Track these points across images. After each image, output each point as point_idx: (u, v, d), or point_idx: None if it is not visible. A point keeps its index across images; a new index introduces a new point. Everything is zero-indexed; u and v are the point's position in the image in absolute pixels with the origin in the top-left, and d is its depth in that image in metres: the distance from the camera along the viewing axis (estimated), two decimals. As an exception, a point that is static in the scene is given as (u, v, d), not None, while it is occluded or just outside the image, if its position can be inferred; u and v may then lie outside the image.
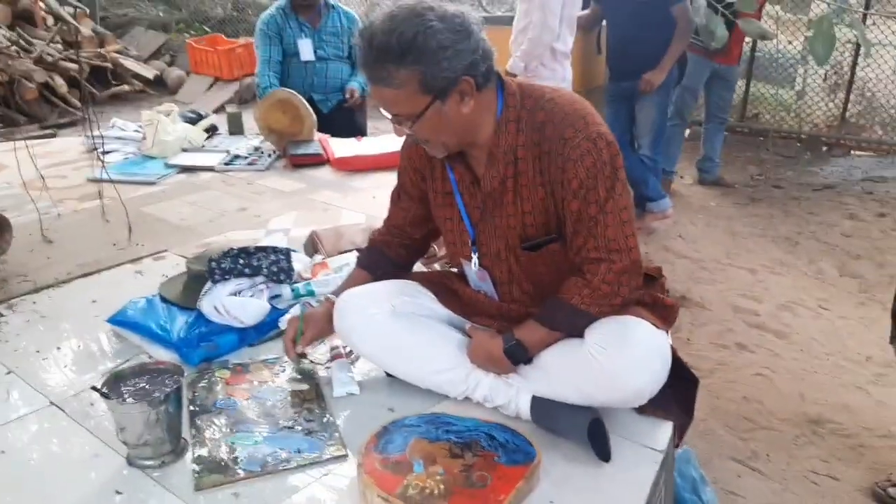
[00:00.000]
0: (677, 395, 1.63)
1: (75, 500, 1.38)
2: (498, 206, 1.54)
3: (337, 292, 1.75)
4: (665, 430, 1.57)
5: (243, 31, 8.43)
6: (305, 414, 1.61)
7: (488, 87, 1.46)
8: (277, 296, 2.03)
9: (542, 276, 1.58)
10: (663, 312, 1.57)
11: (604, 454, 1.45)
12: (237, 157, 3.50)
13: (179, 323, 1.88)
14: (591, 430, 1.44)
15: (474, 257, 1.61)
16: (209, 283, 1.95)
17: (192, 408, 1.61)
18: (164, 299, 2.00)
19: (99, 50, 7.19)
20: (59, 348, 1.90)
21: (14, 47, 6.41)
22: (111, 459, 1.48)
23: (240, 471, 1.43)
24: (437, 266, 2.19)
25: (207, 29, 8.69)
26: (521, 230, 1.53)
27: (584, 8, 4.37)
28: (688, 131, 6.05)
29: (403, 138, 1.72)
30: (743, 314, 3.34)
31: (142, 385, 1.46)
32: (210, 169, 3.39)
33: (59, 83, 6.50)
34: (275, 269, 2.02)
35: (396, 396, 1.67)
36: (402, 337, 1.62)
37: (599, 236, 1.45)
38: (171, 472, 1.44)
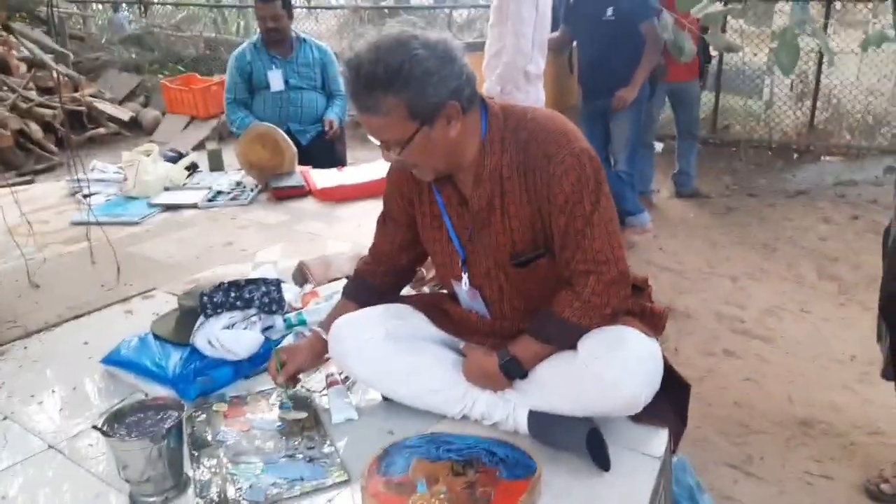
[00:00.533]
0: (671, 401, 1.66)
1: (80, 541, 1.38)
2: (486, 225, 1.57)
3: (323, 324, 1.77)
4: (661, 437, 1.60)
5: (217, 69, 8.47)
6: (306, 442, 1.62)
7: (473, 109, 1.50)
8: (270, 327, 2.04)
9: (532, 291, 1.61)
10: (652, 320, 1.60)
11: (603, 464, 1.47)
12: (220, 192, 3.52)
13: (174, 359, 1.88)
14: (589, 441, 1.46)
15: (465, 277, 1.64)
16: (202, 318, 1.96)
17: (191, 442, 1.62)
18: (156, 337, 2.00)
19: (73, 94, 7.20)
20: (53, 391, 1.89)
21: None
22: (113, 499, 1.48)
23: (243, 502, 1.43)
24: (425, 289, 2.22)
25: (181, 69, 8.72)
26: (510, 247, 1.56)
27: (553, 30, 4.47)
28: (661, 146, 6.18)
29: (388, 165, 1.75)
30: (728, 321, 3.40)
31: (142, 422, 1.47)
32: (193, 206, 3.40)
33: (35, 129, 6.50)
34: (266, 301, 2.03)
35: (395, 419, 1.68)
36: (397, 360, 1.64)
37: (587, 249, 1.49)
38: (174, 508, 1.44)
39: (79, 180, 3.13)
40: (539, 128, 1.50)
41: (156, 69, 8.90)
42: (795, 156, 5.95)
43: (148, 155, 3.66)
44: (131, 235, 3.08)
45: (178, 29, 10.14)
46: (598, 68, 4.03)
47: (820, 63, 5.67)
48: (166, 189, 3.59)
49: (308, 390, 1.82)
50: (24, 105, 6.54)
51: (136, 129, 7.62)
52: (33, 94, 6.86)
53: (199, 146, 6.21)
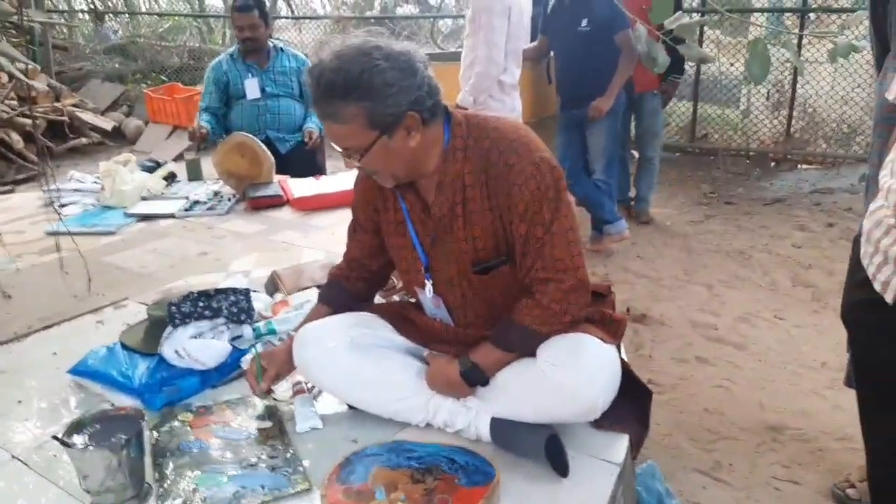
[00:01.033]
0: (633, 408, 1.69)
1: (39, 551, 1.38)
2: (448, 232, 1.59)
3: (298, 329, 1.78)
4: (622, 443, 1.62)
5: (200, 78, 8.46)
6: (269, 451, 1.63)
7: (435, 121, 1.52)
8: (239, 336, 2.05)
9: (495, 298, 1.63)
10: (612, 327, 1.63)
11: (562, 470, 1.48)
12: (197, 202, 3.52)
13: (141, 369, 1.89)
14: (548, 447, 1.48)
15: (428, 284, 1.66)
16: (170, 328, 1.97)
17: (155, 452, 1.62)
18: (125, 347, 2.00)
19: (55, 104, 7.18)
20: (20, 402, 1.89)
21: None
22: (75, 509, 1.48)
23: (205, 510, 1.44)
24: (396, 298, 2.23)
25: (164, 78, 8.73)
26: (472, 255, 1.58)
27: (533, 40, 4.51)
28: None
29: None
30: (702, 329, 3.42)
31: (103, 432, 1.47)
32: (170, 216, 3.41)
33: (15, 139, 6.48)
34: (235, 310, 2.04)
35: (359, 428, 1.69)
36: (361, 368, 1.65)
37: (547, 257, 1.51)
38: (135, 517, 1.44)
39: (54, 190, 3.14)
40: (501, 137, 1.53)
41: (139, 79, 8.90)
42: (773, 164, 6.02)
43: (125, 164, 3.67)
44: (106, 245, 3.08)
45: (162, 39, 10.16)
46: (574, 78, 4.07)
47: (795, 73, 5.75)
48: (144, 199, 3.60)
49: (274, 399, 1.82)
50: (4, 115, 6.51)
51: (119, 138, 7.61)
52: (14, 104, 6.83)
53: (181, 156, 6.20)
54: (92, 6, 11.36)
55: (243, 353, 1.97)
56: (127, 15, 11.37)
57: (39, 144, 6.31)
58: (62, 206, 3.54)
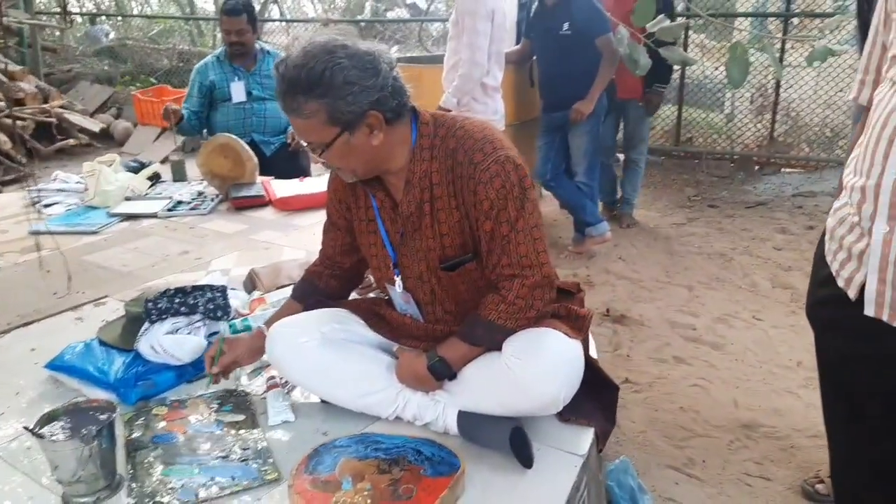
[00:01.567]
0: (599, 402, 1.72)
1: (10, 541, 1.40)
2: (417, 229, 1.62)
3: (268, 322, 1.81)
4: (587, 436, 1.65)
5: (188, 81, 8.49)
6: (241, 443, 1.65)
7: (401, 121, 1.55)
8: (215, 333, 2.07)
9: (462, 294, 1.66)
10: (577, 322, 1.66)
11: (526, 461, 1.52)
12: (180, 202, 3.54)
13: (117, 364, 1.91)
14: (512, 439, 1.51)
15: (397, 280, 1.69)
16: (147, 324, 1.99)
17: (129, 444, 1.64)
18: (102, 343, 2.02)
19: (43, 105, 7.19)
20: (-5, 396, 1.91)
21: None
22: (46, 500, 1.50)
23: (175, 501, 1.46)
24: (371, 295, 2.26)
25: (153, 80, 8.74)
26: (440, 252, 1.62)
27: (517, 43, 4.56)
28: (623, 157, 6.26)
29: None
30: (680, 329, 3.46)
31: (75, 424, 1.49)
32: (153, 216, 3.43)
33: (3, 140, 6.48)
34: (211, 307, 2.06)
35: (331, 421, 1.72)
36: (332, 362, 1.68)
37: (512, 254, 1.54)
38: (106, 508, 1.47)
39: (38, 190, 3.16)
40: (467, 136, 1.56)
41: (128, 80, 8.90)
42: (756, 168, 6.07)
43: (110, 165, 3.68)
44: (88, 245, 3.10)
45: (153, 41, 10.16)
46: (556, 82, 4.12)
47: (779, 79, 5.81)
48: (127, 199, 3.61)
49: (247, 393, 1.85)
50: (-8, 116, 6.52)
51: (108, 140, 7.62)
52: (1, 105, 6.82)
53: (167, 158, 6.22)
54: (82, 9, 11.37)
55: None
56: (119, 17, 11.37)
57: (27, 145, 6.31)
58: (46, 206, 3.56)
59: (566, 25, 3.95)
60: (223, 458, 1.60)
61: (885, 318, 1.33)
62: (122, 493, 1.50)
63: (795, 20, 5.85)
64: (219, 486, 1.50)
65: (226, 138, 3.61)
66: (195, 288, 2.09)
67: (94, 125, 7.51)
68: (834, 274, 1.46)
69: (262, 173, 3.78)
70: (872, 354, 1.43)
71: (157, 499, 1.46)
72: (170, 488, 1.49)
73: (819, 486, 2.29)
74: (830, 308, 1.49)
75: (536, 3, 4.18)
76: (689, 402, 2.84)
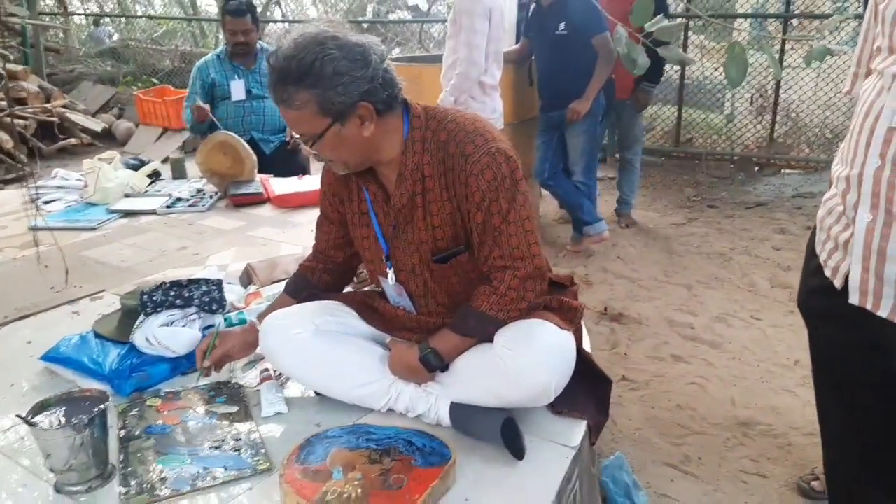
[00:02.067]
0: (592, 395, 1.72)
1: (1, 528, 1.40)
2: (409, 221, 1.62)
3: (261, 316, 1.81)
4: (579, 428, 1.65)
5: (190, 80, 8.52)
6: (234, 434, 1.66)
7: (392, 112, 1.55)
8: (210, 326, 2.07)
9: (454, 286, 1.66)
10: (569, 314, 1.66)
11: (517, 452, 1.52)
12: (179, 199, 3.56)
13: (112, 356, 1.91)
14: (504, 430, 1.52)
15: (390, 272, 1.69)
16: (142, 317, 2.00)
17: (122, 435, 1.65)
18: (98, 335, 2.03)
19: (45, 105, 7.21)
20: (-10, 387, 1.92)
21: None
22: (39, 489, 1.50)
23: (166, 490, 1.46)
24: (366, 289, 2.26)
25: (155, 81, 8.76)
26: (432, 244, 1.62)
27: (516, 42, 4.57)
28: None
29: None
30: (678, 328, 3.46)
31: (67, 412, 1.50)
32: (152, 212, 3.44)
33: (5, 139, 6.49)
34: (206, 300, 2.07)
35: (324, 413, 1.73)
36: (325, 354, 1.68)
37: (504, 245, 1.54)
38: (98, 497, 1.47)
39: (38, 187, 3.17)
40: (458, 128, 1.56)
41: (130, 81, 8.93)
42: (756, 169, 6.07)
43: (109, 162, 3.70)
44: (87, 240, 3.11)
45: (156, 43, 10.19)
46: (553, 81, 4.12)
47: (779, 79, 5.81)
48: (127, 196, 3.62)
49: (241, 385, 1.85)
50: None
51: (110, 140, 7.63)
52: (3, 104, 6.84)
53: (168, 158, 6.24)
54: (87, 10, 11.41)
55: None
56: (123, 19, 11.40)
57: (29, 145, 6.32)
58: (46, 202, 3.57)
59: (562, 25, 3.96)
60: (216, 448, 1.60)
61: (868, 306, 1.34)
62: (115, 483, 1.50)
63: (795, 21, 5.84)
64: (211, 475, 1.50)
65: (225, 136, 3.62)
66: (191, 281, 2.10)
67: (96, 125, 7.53)
68: (822, 264, 1.46)
69: (262, 171, 3.79)
70: (861, 343, 1.43)
71: (149, 488, 1.47)
72: (162, 478, 1.50)
73: (815, 483, 2.29)
74: (820, 298, 1.50)
75: (534, 3, 4.19)
76: (686, 400, 2.83)
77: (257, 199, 3.49)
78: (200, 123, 3.79)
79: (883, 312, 1.33)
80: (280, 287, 2.27)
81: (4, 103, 6.77)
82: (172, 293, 2.03)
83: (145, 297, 2.00)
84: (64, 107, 7.42)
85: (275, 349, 1.71)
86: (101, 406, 1.49)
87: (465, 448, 1.54)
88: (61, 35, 10.49)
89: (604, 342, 3.30)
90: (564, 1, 3.95)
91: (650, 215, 5.13)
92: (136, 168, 3.90)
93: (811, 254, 1.58)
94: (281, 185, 3.57)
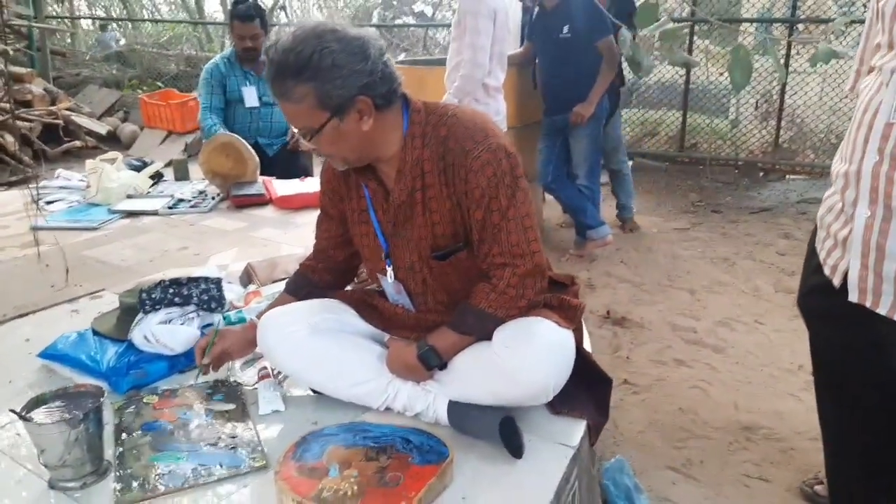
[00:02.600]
0: (592, 395, 1.70)
1: (-6, 524, 1.39)
2: (408, 218, 1.61)
3: (261, 315, 1.80)
4: (579, 428, 1.63)
5: (196, 85, 8.52)
6: (230, 431, 1.64)
7: (391, 107, 1.54)
8: (209, 324, 2.06)
9: (454, 284, 1.65)
10: (568, 313, 1.64)
11: (516, 451, 1.50)
12: (181, 200, 3.55)
13: (109, 353, 1.90)
14: (502, 429, 1.50)
15: (389, 270, 1.68)
16: (140, 314, 1.99)
17: (118, 431, 1.64)
18: (96, 333, 2.02)
19: (50, 108, 7.23)
20: (-12, 384, 1.91)
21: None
22: (33, 484, 1.49)
23: (161, 486, 1.45)
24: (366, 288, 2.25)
25: (161, 84, 8.79)
26: (431, 241, 1.60)
27: (520, 46, 4.56)
28: (629, 163, 6.24)
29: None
30: (681, 332, 3.44)
31: (62, 408, 1.49)
32: (154, 213, 3.44)
33: (10, 141, 6.51)
34: (205, 298, 2.06)
35: (321, 411, 1.71)
36: (323, 352, 1.67)
37: (503, 242, 1.53)
38: (92, 493, 1.45)
39: (40, 187, 3.17)
40: (458, 124, 1.55)
41: (135, 84, 8.96)
42: (761, 174, 6.05)
43: (112, 163, 3.70)
44: (88, 240, 3.10)
45: (162, 47, 10.23)
46: (557, 85, 4.11)
47: (784, 83, 5.79)
48: (129, 196, 3.62)
49: (238, 383, 1.84)
50: (-1, 117, 6.57)
51: (115, 143, 7.64)
52: (8, 107, 6.87)
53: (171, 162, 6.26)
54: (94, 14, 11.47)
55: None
56: (130, 24, 11.46)
57: (34, 147, 6.34)
58: (48, 202, 3.57)
59: (566, 28, 3.95)
60: (212, 445, 1.59)
61: (867, 303, 1.33)
62: (109, 479, 1.49)
63: (801, 26, 5.83)
64: (206, 472, 1.49)
65: (227, 137, 3.62)
66: (190, 279, 2.09)
67: (101, 128, 7.55)
68: (822, 262, 1.45)
69: (264, 173, 3.78)
70: (860, 342, 1.42)
71: (144, 484, 1.45)
72: (157, 474, 1.48)
73: (818, 488, 2.27)
74: (820, 296, 1.49)
75: (537, 6, 4.18)
76: (688, 404, 2.81)
77: (259, 201, 3.49)
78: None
79: (882, 310, 1.31)
80: (280, 287, 2.26)
81: (9, 105, 6.82)
82: (171, 291, 2.02)
83: (144, 294, 1.99)
84: (69, 110, 7.44)
85: (272, 346, 1.69)
86: (97, 401, 1.48)
87: (462, 446, 1.53)
88: (68, 40, 10.55)
89: (606, 346, 3.28)
90: (568, 4, 3.95)
91: (654, 220, 5.11)
92: (138, 169, 3.90)
93: (811, 252, 1.56)
94: (283, 187, 3.56)
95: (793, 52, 5.57)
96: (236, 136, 3.64)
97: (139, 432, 1.64)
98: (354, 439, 1.51)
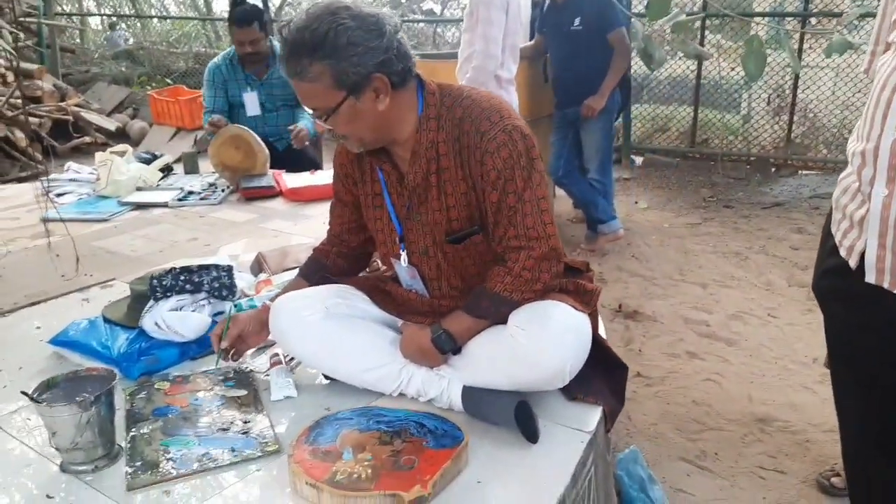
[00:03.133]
0: (608, 382, 1.68)
1: (4, 506, 1.38)
2: (423, 201, 1.59)
3: (274, 299, 1.78)
4: (595, 414, 1.61)
5: (204, 83, 8.54)
6: (242, 417, 1.63)
7: (407, 87, 1.52)
8: (220, 312, 2.05)
9: (468, 268, 1.63)
10: (584, 297, 1.62)
11: (531, 436, 1.48)
12: (191, 192, 3.54)
13: (121, 340, 1.90)
14: (517, 413, 1.48)
15: (403, 254, 1.66)
16: (151, 301, 1.97)
17: (129, 417, 1.62)
18: (107, 320, 2.01)
19: (59, 104, 7.24)
20: (0, 370, 1.90)
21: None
22: (44, 467, 1.48)
23: (172, 470, 1.44)
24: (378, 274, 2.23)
25: (170, 81, 8.80)
26: (446, 224, 1.59)
27: (531, 38, 4.53)
28: (640, 159, 6.23)
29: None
30: (694, 325, 3.41)
31: (74, 391, 1.48)
32: (163, 205, 3.43)
33: (20, 137, 6.53)
34: (216, 286, 2.05)
35: (333, 397, 1.69)
36: (336, 337, 1.65)
37: (519, 225, 1.51)
38: (104, 476, 1.44)
39: (48, 180, 3.17)
40: (474, 105, 1.53)
41: (144, 81, 8.98)
42: (773, 169, 6.00)
43: (122, 155, 3.69)
44: (99, 231, 3.10)
45: (171, 45, 10.24)
46: (568, 78, 4.09)
47: (796, 77, 5.74)
48: (139, 189, 3.62)
49: (251, 370, 1.83)
50: (9, 113, 6.57)
51: (124, 139, 7.64)
52: (19, 103, 6.89)
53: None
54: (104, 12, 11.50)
55: (224, 327, 1.97)
56: (138, 23, 11.48)
57: (44, 143, 6.35)
58: (58, 195, 3.57)
59: (577, 21, 3.93)
60: (224, 430, 1.57)
61: (885, 284, 1.30)
62: (121, 463, 1.48)
63: (813, 20, 5.78)
64: (218, 456, 1.48)
65: (237, 130, 3.61)
66: (201, 267, 2.08)
67: (111, 124, 7.56)
68: (837, 244, 1.43)
69: (274, 167, 3.75)
70: (877, 322, 1.39)
71: (156, 468, 1.44)
72: (168, 458, 1.47)
73: (835, 480, 2.24)
74: (835, 278, 1.46)
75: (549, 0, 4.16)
76: (702, 396, 2.79)
77: (269, 193, 3.48)
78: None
79: None
80: (291, 275, 2.25)
81: (19, 101, 6.84)
82: (182, 278, 2.01)
83: (155, 281, 1.98)
84: (78, 106, 7.45)
85: (285, 331, 1.68)
86: (108, 384, 1.46)
87: (477, 431, 1.51)
88: (77, 40, 10.57)
89: (618, 339, 3.25)
90: None
91: (665, 215, 5.07)
92: (148, 162, 3.89)
93: (827, 235, 1.54)
94: (293, 179, 3.55)
95: (805, 46, 5.52)
96: (246, 128, 3.63)
97: (150, 417, 1.62)
98: (368, 423, 1.49)
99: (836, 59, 4.87)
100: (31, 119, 6.66)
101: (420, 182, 1.57)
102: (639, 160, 6.39)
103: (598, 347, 1.64)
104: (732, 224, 4.86)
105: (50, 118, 7.02)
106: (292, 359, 1.82)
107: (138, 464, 1.45)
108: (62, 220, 2.87)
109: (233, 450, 1.50)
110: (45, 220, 3.06)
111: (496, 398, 1.52)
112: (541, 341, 1.45)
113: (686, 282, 3.95)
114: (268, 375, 1.80)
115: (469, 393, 1.56)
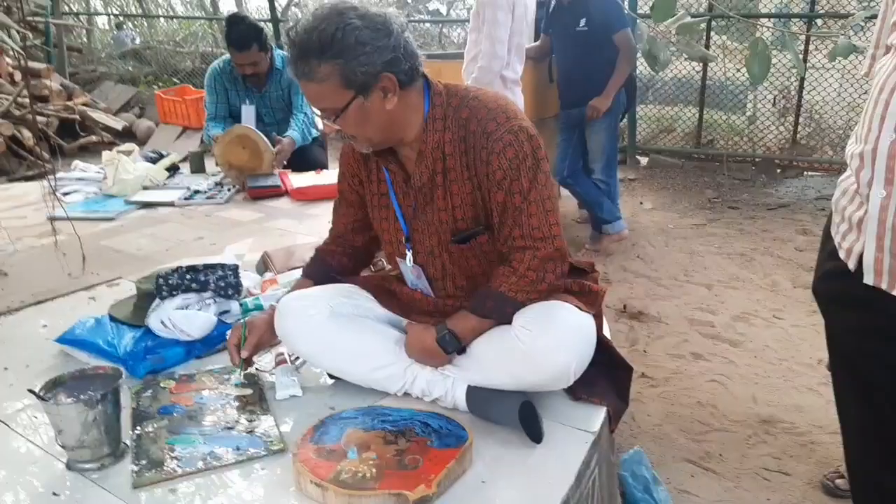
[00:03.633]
0: (612, 382, 1.68)
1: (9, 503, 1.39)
2: (429, 201, 1.60)
3: (280, 300, 1.79)
4: (599, 414, 1.61)
5: (206, 86, 8.56)
6: (247, 416, 1.63)
7: (414, 86, 1.53)
8: (226, 311, 2.06)
9: (473, 269, 1.63)
10: (589, 298, 1.63)
11: (535, 436, 1.48)
12: (197, 192, 3.56)
13: (127, 338, 1.91)
14: (521, 414, 1.48)
15: (409, 254, 1.67)
16: (157, 300, 1.98)
17: (135, 415, 1.63)
18: (113, 319, 2.02)
19: (66, 103, 7.27)
20: (6, 369, 1.91)
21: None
22: (50, 465, 1.49)
23: (177, 468, 1.44)
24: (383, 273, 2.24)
25: (176, 81, 8.82)
26: (451, 224, 1.59)
27: (536, 39, 4.54)
28: (645, 160, 6.21)
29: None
30: (699, 326, 3.40)
31: (80, 389, 1.48)
32: (170, 204, 3.44)
33: (27, 136, 6.55)
34: (222, 285, 2.06)
35: (338, 397, 1.70)
36: (341, 336, 1.66)
37: (524, 225, 1.51)
38: (110, 474, 1.45)
39: (55, 178, 3.18)
40: (480, 106, 1.54)
41: (151, 80, 9.00)
42: (779, 171, 5.99)
43: (128, 154, 3.71)
44: (105, 230, 3.11)
45: (177, 44, 10.28)
46: (574, 78, 4.08)
47: (802, 79, 5.73)
48: (145, 188, 3.63)
49: (256, 369, 1.83)
50: (17, 112, 6.60)
51: (131, 139, 7.66)
52: (26, 102, 6.91)
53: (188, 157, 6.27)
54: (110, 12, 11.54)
55: (229, 326, 1.98)
56: (145, 22, 11.51)
57: (51, 142, 6.38)
58: (65, 194, 3.58)
59: (583, 21, 3.92)
60: (228, 429, 1.58)
61: (883, 286, 1.30)
62: (127, 461, 1.48)
63: (819, 21, 5.77)
64: (223, 455, 1.48)
65: (244, 129, 3.62)
66: (207, 266, 2.09)
67: (117, 123, 7.58)
68: (837, 246, 1.43)
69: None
70: (876, 325, 1.39)
71: (161, 467, 1.45)
72: (173, 456, 1.48)
73: (839, 482, 2.24)
74: (835, 280, 1.47)
75: (554, 0, 4.16)
76: (706, 397, 2.78)
77: (275, 192, 3.49)
78: None
79: None
80: (296, 274, 2.26)
81: (27, 100, 6.86)
82: (188, 277, 2.02)
83: (161, 280, 1.99)
84: (85, 105, 7.48)
85: (290, 330, 1.68)
86: (114, 382, 1.47)
87: (482, 431, 1.51)
88: (84, 40, 10.61)
89: (623, 339, 3.25)
90: None
91: (670, 216, 5.07)
92: (154, 161, 3.91)
93: (826, 237, 1.54)
94: (299, 179, 3.56)
95: (811, 47, 5.51)
96: (253, 128, 3.64)
97: (156, 416, 1.63)
98: (373, 423, 1.50)
99: (841, 60, 4.86)
100: (38, 118, 6.68)
101: (426, 182, 1.57)
102: (644, 161, 6.38)
103: (603, 348, 1.64)
104: (737, 225, 4.85)
105: (57, 117, 7.04)
106: (297, 358, 1.83)
107: (144, 462, 1.46)
108: (69, 219, 2.88)
109: (238, 448, 1.51)
110: (52, 219, 3.07)
111: (501, 398, 1.53)
112: (546, 342, 1.45)
113: (691, 283, 3.94)
114: (273, 374, 1.80)
115: (473, 393, 1.57)
